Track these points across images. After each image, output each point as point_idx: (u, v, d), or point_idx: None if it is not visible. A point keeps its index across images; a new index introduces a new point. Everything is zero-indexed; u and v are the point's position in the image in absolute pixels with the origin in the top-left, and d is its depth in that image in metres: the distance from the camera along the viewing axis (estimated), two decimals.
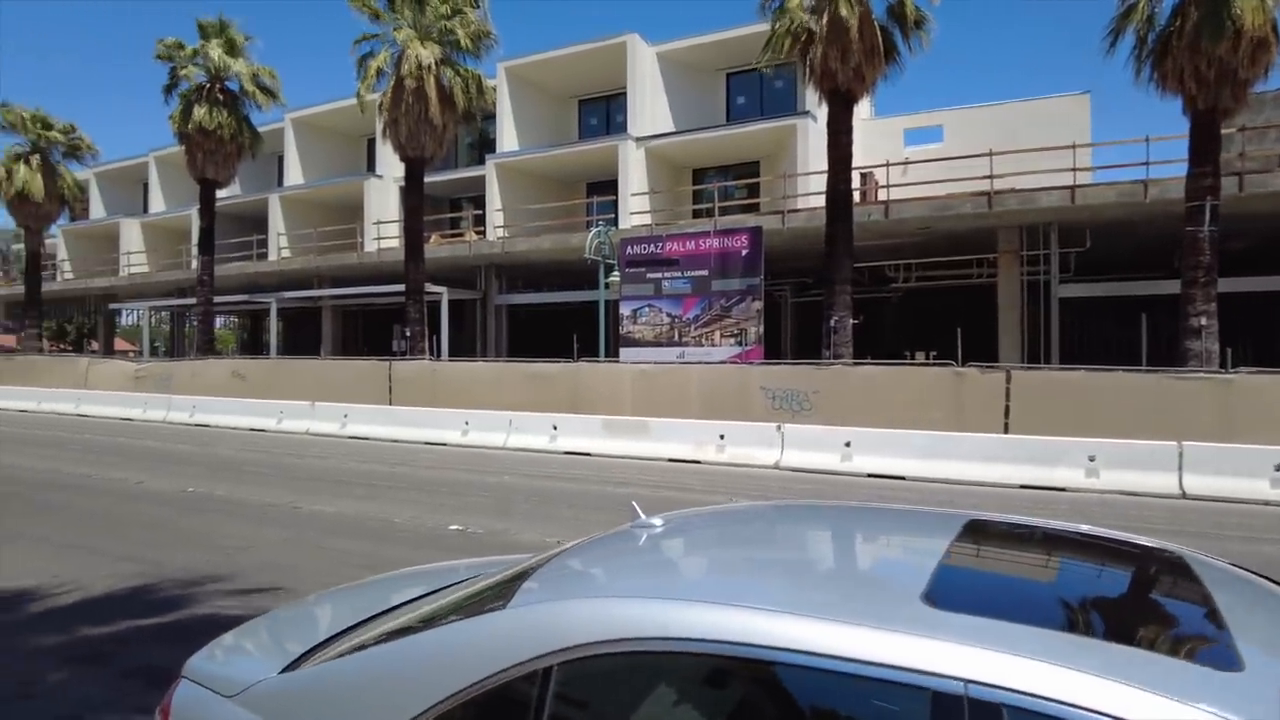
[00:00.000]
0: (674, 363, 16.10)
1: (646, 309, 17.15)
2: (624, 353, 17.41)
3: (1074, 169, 17.34)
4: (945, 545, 1.80)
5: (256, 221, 31.91)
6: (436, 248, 24.82)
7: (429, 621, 1.85)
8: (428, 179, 22.57)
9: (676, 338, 16.85)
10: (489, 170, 25.75)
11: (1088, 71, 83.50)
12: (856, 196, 18.61)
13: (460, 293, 25.15)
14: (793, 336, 24.68)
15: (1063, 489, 10.74)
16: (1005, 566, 1.90)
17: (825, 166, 16.11)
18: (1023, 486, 10.91)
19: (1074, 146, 17.01)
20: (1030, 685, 1.19)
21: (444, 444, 15.20)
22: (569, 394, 15.96)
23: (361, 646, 1.86)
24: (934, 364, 13.61)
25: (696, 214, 23.91)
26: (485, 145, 28.12)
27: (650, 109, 24.64)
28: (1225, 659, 1.28)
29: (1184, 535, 8.21)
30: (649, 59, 24.78)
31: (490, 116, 25.92)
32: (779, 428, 12.83)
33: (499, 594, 1.80)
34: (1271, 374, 11.66)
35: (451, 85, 20.33)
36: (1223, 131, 14.10)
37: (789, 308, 24.76)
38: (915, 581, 1.52)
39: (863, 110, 24.84)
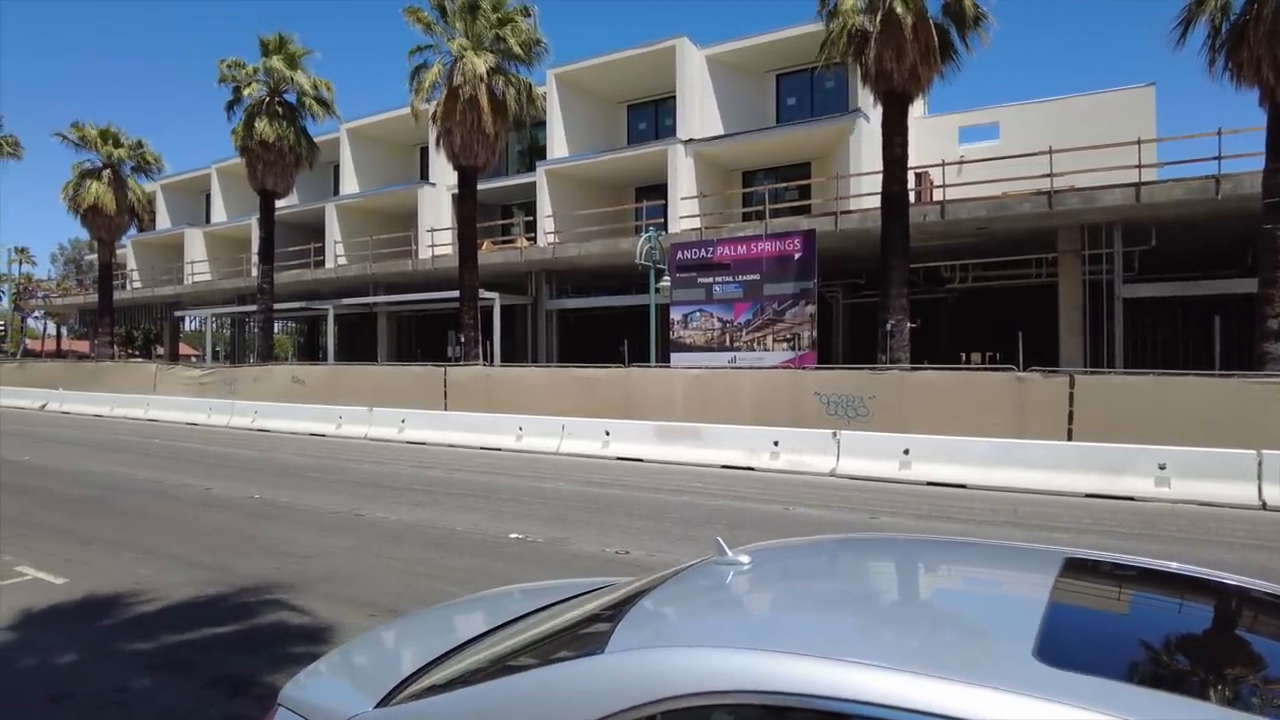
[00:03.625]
0: (725, 368, 16.03)
1: (697, 313, 17.10)
2: (674, 358, 17.40)
3: (1139, 165, 16.78)
4: (1048, 588, 1.74)
5: (314, 230, 32.73)
6: (489, 254, 25.14)
7: (523, 659, 1.87)
8: (480, 186, 22.87)
9: (728, 342, 16.77)
10: (539, 177, 25.98)
11: (1151, 65, 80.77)
12: (911, 197, 18.31)
13: (512, 298, 25.43)
14: (845, 339, 24.37)
15: (1131, 498, 10.39)
16: (1102, 611, 1.84)
17: (879, 167, 15.89)
18: (1088, 495, 10.59)
19: (1139, 142, 16.47)
20: None
21: (499, 449, 15.37)
22: (621, 399, 16.01)
23: (456, 683, 1.88)
24: (994, 369, 13.31)
25: (746, 217, 23.79)
26: (536, 152, 28.40)
27: (699, 112, 24.59)
28: None
29: (1265, 549, 7.89)
30: (698, 62, 24.74)
31: (540, 123, 26.16)
32: (835, 434, 12.67)
33: (594, 634, 1.80)
34: None
35: (504, 94, 20.59)
36: None
37: (841, 310, 24.46)
38: (1026, 633, 1.48)
39: (916, 108, 24.41)
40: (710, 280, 17.04)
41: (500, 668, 1.86)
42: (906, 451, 12.00)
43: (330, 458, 14.65)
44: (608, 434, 14.51)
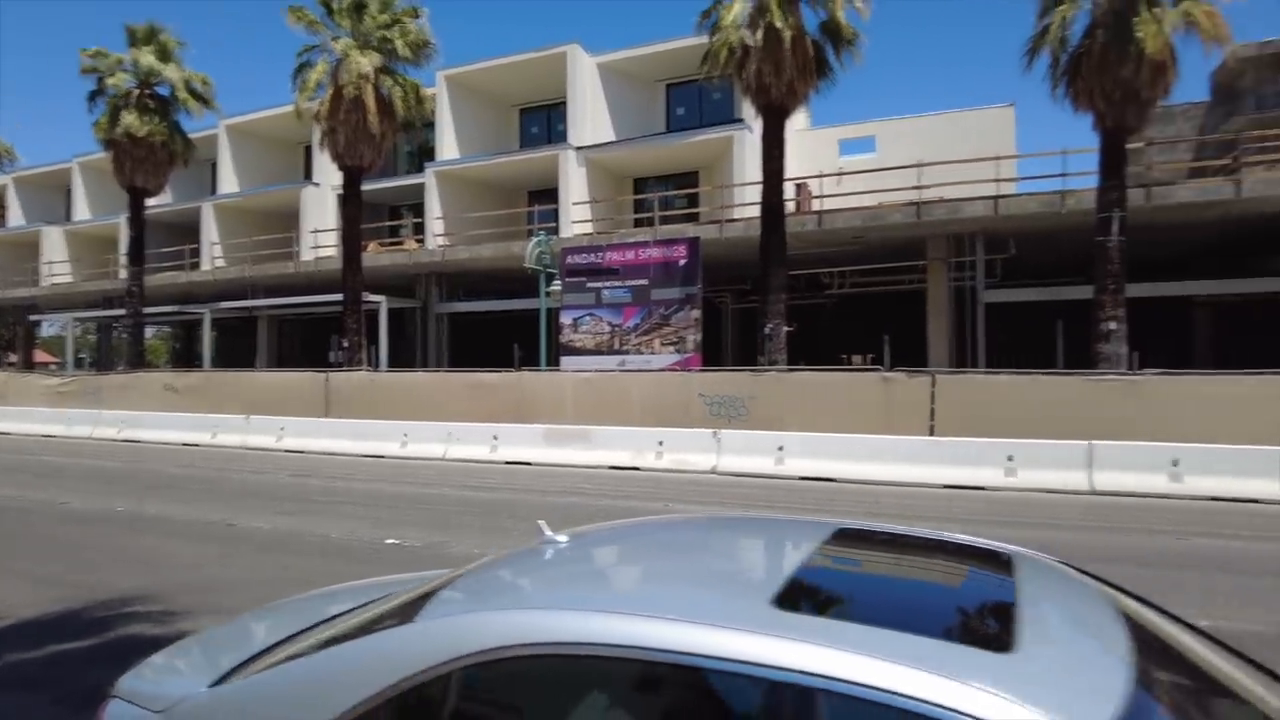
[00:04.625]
0: (615, 371, 16.32)
1: (587, 318, 17.33)
2: (565, 361, 17.57)
3: (997, 180, 18.11)
4: (809, 552, 2.05)
5: (189, 230, 31.13)
6: (376, 256, 24.62)
7: (346, 636, 2.03)
8: (367, 187, 22.40)
9: (617, 346, 17.07)
10: (428, 178, 25.64)
11: (1016, 86, 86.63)
12: (791, 207, 19.13)
13: (400, 301, 24.98)
14: (734, 343, 25.14)
15: (982, 488, 11.27)
16: (850, 570, 2.16)
17: (760, 178, 16.53)
18: (946, 486, 11.41)
19: (998, 158, 17.77)
20: (837, 671, 1.43)
21: (383, 456, 15.13)
22: (511, 403, 16.05)
23: (283, 660, 2.02)
24: (863, 369, 14.12)
25: (638, 223, 24.21)
26: (426, 153, 27.97)
27: (591, 118, 24.85)
28: (1002, 643, 1.55)
29: (1089, 530, 8.75)
30: (590, 69, 25.01)
31: (430, 125, 25.81)
32: (715, 434, 13.15)
33: (409, 609, 1.98)
34: (1173, 375, 12.42)
35: (390, 94, 20.26)
36: (1134, 145, 14.95)
37: (730, 314, 25.22)
38: (770, 585, 1.76)
39: (799, 121, 25.49)
40: (600, 285, 17.30)
41: (325, 643, 2.02)
42: (781, 448, 12.58)
43: (204, 468, 14.07)
44: (496, 439, 14.54)
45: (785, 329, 15.65)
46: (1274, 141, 21.47)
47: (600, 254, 17.50)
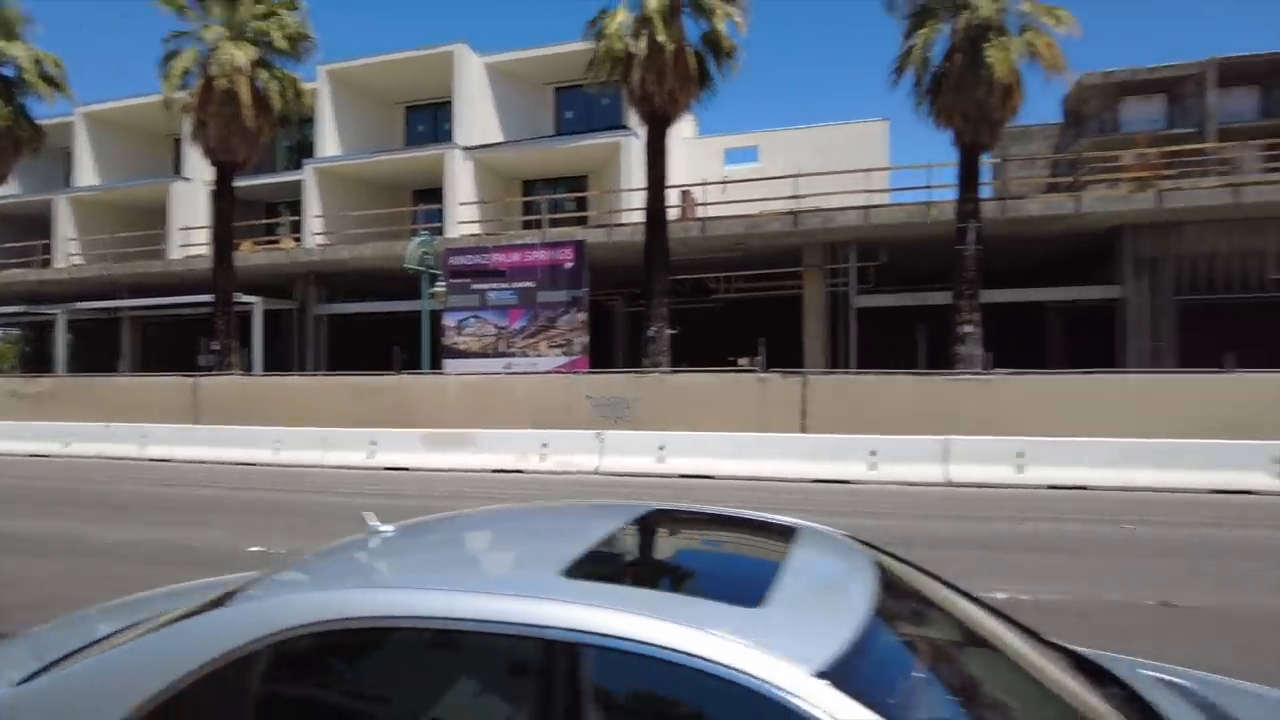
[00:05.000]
0: (500, 374, 16.26)
1: (472, 320, 17.19)
2: (449, 364, 17.36)
3: (869, 191, 19.10)
4: (612, 530, 2.23)
5: (39, 224, 28.92)
6: (250, 255, 23.59)
7: (161, 625, 2.05)
8: (242, 183, 21.48)
9: (503, 348, 17.01)
10: (308, 175, 24.80)
11: (891, 101, 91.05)
12: (676, 213, 19.58)
13: (277, 302, 24.02)
14: (625, 345, 25.43)
15: (848, 481, 11.89)
16: (646, 543, 2.35)
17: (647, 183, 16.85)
18: (815, 481, 11.97)
19: (869, 170, 18.72)
20: (600, 627, 1.60)
21: (254, 464, 14.54)
22: (392, 408, 15.73)
23: (96, 653, 2.02)
24: (740, 370, 14.61)
25: (527, 225, 24.16)
26: (305, 150, 27.01)
27: (479, 119, 24.64)
28: (754, 600, 1.75)
29: (941, 518, 9.40)
30: (478, 69, 24.80)
31: (310, 120, 24.96)
32: (599, 434, 13.33)
33: (223, 598, 2.03)
34: (1019, 374, 13.47)
35: (267, 88, 19.46)
36: (996, 160, 16.11)
37: (621, 317, 25.51)
38: (564, 559, 1.92)
39: (686, 129, 26.10)
40: (485, 286, 17.20)
41: (142, 634, 2.03)
42: (663, 447, 12.89)
43: (55, 480, 13.15)
44: (374, 444, 14.22)
45: (669, 332, 16.01)
46: (1111, 162, 23.57)
47: (485, 255, 17.40)
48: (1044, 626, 5.45)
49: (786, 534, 2.34)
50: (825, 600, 1.86)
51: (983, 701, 1.97)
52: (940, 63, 15.14)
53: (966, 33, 14.41)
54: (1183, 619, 5.57)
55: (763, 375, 14.31)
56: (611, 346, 24.86)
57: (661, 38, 15.50)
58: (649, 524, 2.39)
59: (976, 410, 12.97)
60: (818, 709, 1.47)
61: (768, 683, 1.50)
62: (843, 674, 1.53)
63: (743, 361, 27.61)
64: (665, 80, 15.63)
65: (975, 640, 2.29)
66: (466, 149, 23.76)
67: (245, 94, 18.53)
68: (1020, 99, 14.65)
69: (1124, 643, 5.02)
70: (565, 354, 16.64)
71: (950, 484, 11.61)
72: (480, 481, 12.53)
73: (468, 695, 1.83)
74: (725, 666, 1.53)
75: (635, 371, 15.55)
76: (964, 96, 14.43)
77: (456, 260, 17.62)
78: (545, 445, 13.50)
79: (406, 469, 13.65)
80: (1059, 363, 22.11)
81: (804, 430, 13.71)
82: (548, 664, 1.62)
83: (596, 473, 12.94)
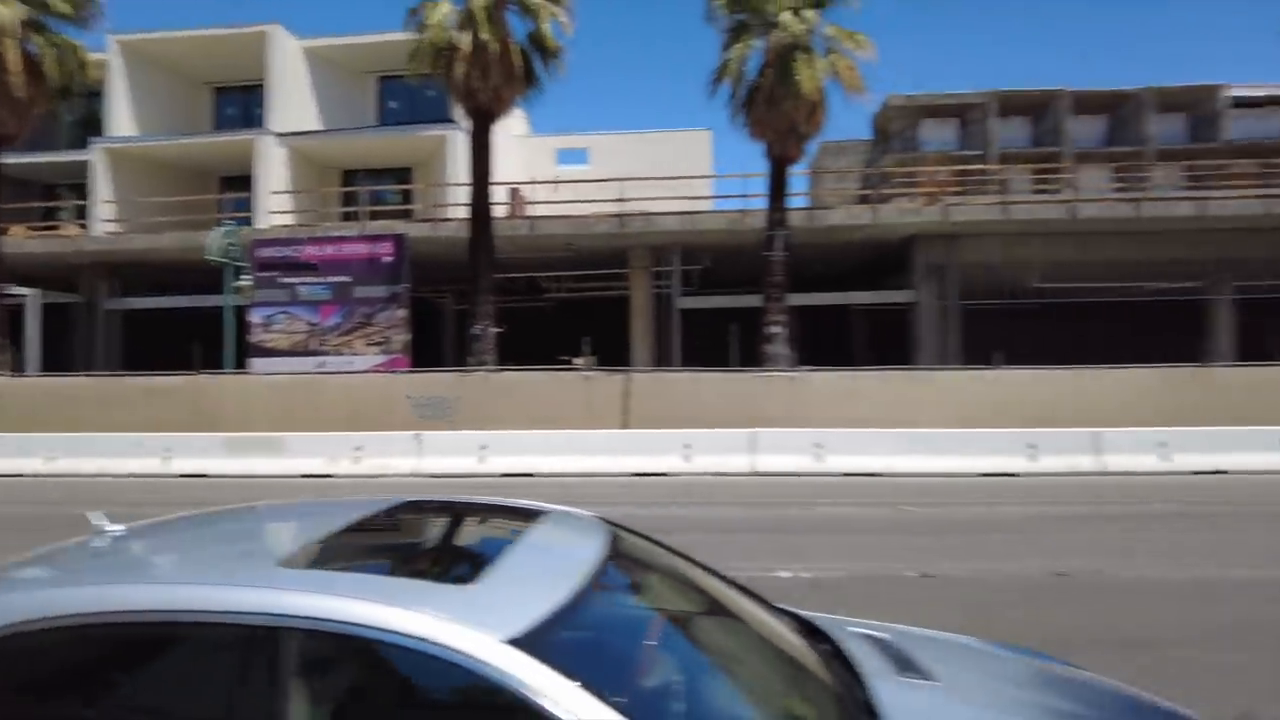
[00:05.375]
0: (313, 373, 15.47)
1: (281, 316, 16.24)
2: (256, 363, 16.31)
3: (690, 197, 19.82)
4: (351, 521, 2.24)
5: None
6: (23, 242, 21.01)
7: None
8: (15, 160, 19.16)
9: (316, 346, 16.19)
10: (96, 155, 22.48)
11: (718, 110, 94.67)
12: (504, 210, 19.44)
13: (59, 296, 21.57)
14: (454, 344, 24.91)
15: (665, 474, 12.32)
16: (382, 532, 2.39)
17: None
18: (635, 475, 12.30)
19: (691, 177, 19.43)
20: (308, 610, 1.65)
21: (20, 475, 13.01)
22: (192, 411, 14.58)
23: None
24: (565, 369, 14.76)
25: (347, 218, 23.10)
26: (95, 127, 24.41)
27: (295, 104, 23.31)
28: (469, 578, 1.84)
29: (744, 505, 9.94)
30: (294, 52, 23.44)
31: (99, 94, 22.62)
32: (417, 436, 13.01)
33: None
34: (820, 371, 14.51)
35: (41, 53, 17.45)
36: (813, 172, 17.16)
37: (451, 316, 24.96)
38: (288, 552, 1.92)
39: (519, 126, 25.97)
40: (296, 281, 16.30)
41: None
42: (484, 447, 12.78)
43: None
44: (169, 450, 13.12)
45: (494, 330, 15.87)
46: (911, 178, 25.82)
47: (297, 248, 16.50)
48: (818, 600, 5.91)
49: (528, 517, 2.43)
50: (538, 576, 1.96)
51: (695, 661, 2.15)
52: (754, 77, 15.96)
53: (778, 51, 15.29)
54: (937, 587, 6.23)
55: (587, 374, 14.53)
56: (440, 345, 24.29)
57: (485, 34, 15.34)
58: (393, 515, 2.42)
59: (783, 405, 13.84)
60: (505, 673, 1.57)
61: (458, 651, 1.59)
62: (536, 641, 1.64)
63: (578, 361, 27.95)
64: (490, 76, 15.48)
65: (706, 609, 2.49)
66: (280, 135, 22.40)
67: (14, 59, 16.54)
68: (824, 116, 15.72)
69: (885, 610, 5.56)
70: (384, 352, 16.09)
71: (757, 473, 12.30)
72: (287, 488, 11.88)
73: (177, 684, 1.82)
74: (420, 639, 1.60)
75: (459, 371, 15.31)
76: (775, 111, 15.31)
77: (265, 252, 16.58)
78: (359, 448, 13.00)
79: (206, 476, 12.70)
80: (864, 361, 23.93)
81: (626, 426, 14.05)
82: (256, 648, 1.64)
83: (414, 475, 12.62)
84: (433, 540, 2.43)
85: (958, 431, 12.67)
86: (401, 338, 16.23)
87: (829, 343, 27.95)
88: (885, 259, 22.31)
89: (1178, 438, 12.49)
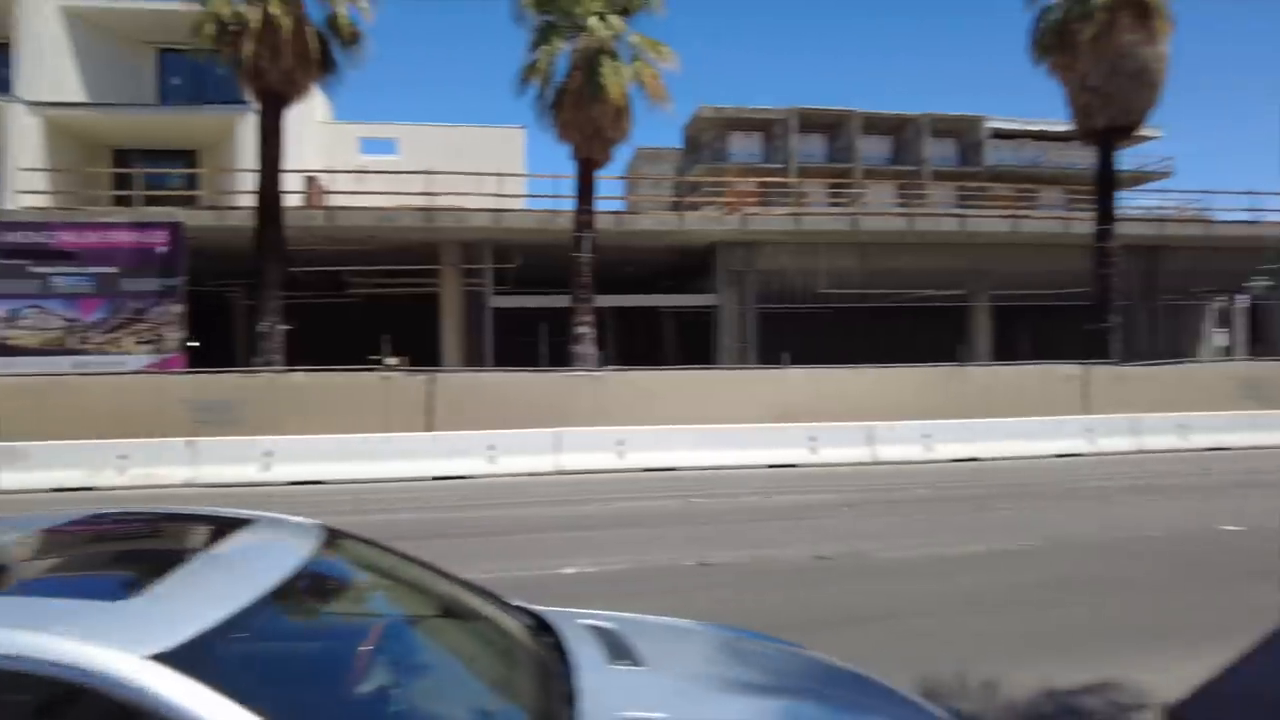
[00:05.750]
0: (69, 374, 13.77)
1: (29, 310, 14.32)
2: None
3: (502, 194, 19.60)
4: (17, 537, 2.02)
5: None
6: None
7: None
8: None
9: (74, 345, 14.43)
10: None
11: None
12: (299, 200, 18.31)
13: None
14: (244, 342, 23.10)
15: (468, 477, 12.10)
16: (58, 549, 2.19)
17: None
18: (437, 479, 11.99)
19: (500, 174, 19.21)
20: None
21: None
22: None
23: None
24: (363, 369, 14.13)
25: (120, 202, 20.81)
26: None
27: (52, 71, 20.69)
28: (125, 593, 1.71)
29: (546, 504, 9.97)
30: (51, 11, 20.81)
31: None
32: (191, 443, 11.95)
33: None
34: (626, 370, 14.86)
35: None
36: (630, 177, 17.43)
37: (242, 312, 23.12)
38: None
39: (320, 112, 24.58)
40: (49, 270, 14.45)
41: None
42: (269, 454, 11.96)
43: None
44: None
45: (282, 327, 14.89)
46: (721, 187, 27.03)
47: (50, 233, 14.63)
48: (602, 592, 6.04)
49: (229, 527, 2.30)
50: (210, 588, 1.86)
51: (395, 665, 2.12)
52: (562, 79, 16.03)
53: (585, 54, 15.46)
54: (713, 574, 6.56)
55: (386, 374, 13.98)
56: (231, 344, 22.48)
57: (276, 10, 14.36)
58: (75, 529, 2.21)
59: (589, 404, 14.01)
60: (147, 692, 1.47)
61: (92, 672, 1.47)
62: (190, 656, 1.55)
63: (390, 361, 26.83)
64: (281, 58, 14.50)
65: (423, 612, 2.47)
66: (33, 104, 19.81)
67: None
68: (631, 122, 16.07)
69: (657, 599, 5.78)
70: (156, 351, 14.63)
71: (562, 472, 12.39)
72: (33, 504, 10.51)
73: None
74: (50, 662, 1.47)
75: (243, 371, 14.23)
76: (582, 114, 15.47)
77: (9, 237, 14.56)
78: (125, 457, 11.75)
79: None
80: (675, 361, 24.80)
81: (430, 429, 13.65)
82: None
83: (189, 485, 11.59)
84: (108, 555, 2.24)
85: (748, 427, 13.40)
86: (176, 335, 14.83)
87: (644, 343, 28.75)
88: (693, 264, 23.23)
89: (938, 430, 13.94)
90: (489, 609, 2.60)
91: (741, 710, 2.14)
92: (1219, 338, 28.66)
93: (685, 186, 34.65)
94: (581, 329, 15.75)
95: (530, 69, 16.16)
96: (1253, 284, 20.97)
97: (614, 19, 15.36)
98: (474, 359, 20.19)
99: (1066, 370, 16.28)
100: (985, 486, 11.09)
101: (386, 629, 2.26)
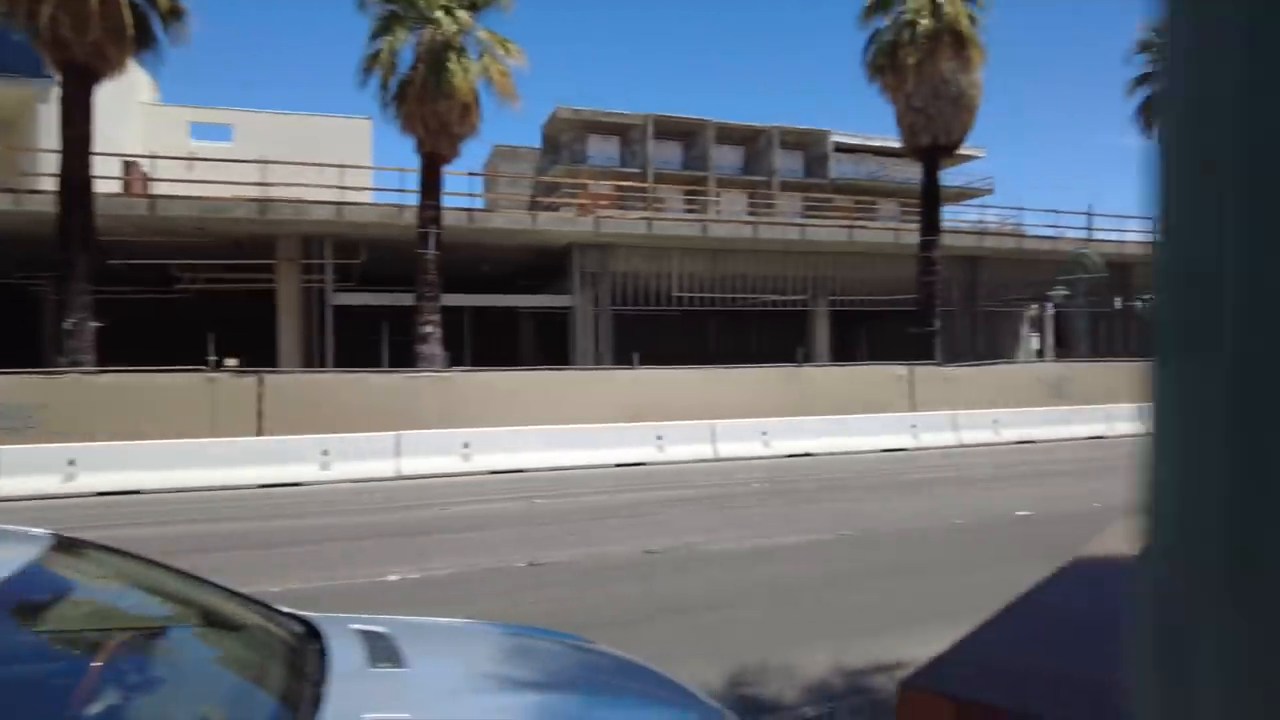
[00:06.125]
0: None
1: None
2: None
3: (346, 186, 18.79)
4: None
5: None
6: None
7: None
8: None
9: None
10: None
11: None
12: (116, 186, 16.84)
13: None
14: (55, 340, 20.96)
15: (301, 484, 11.52)
16: None
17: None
18: (265, 486, 11.34)
19: (341, 166, 18.39)
20: None
21: None
22: None
23: None
24: (183, 370, 13.14)
25: None
26: None
27: None
28: None
29: (380, 511, 9.63)
30: None
31: None
32: None
33: None
34: (473, 371, 14.60)
35: None
36: (474, 174, 17.05)
37: (54, 307, 20.94)
38: None
39: (145, 92, 22.72)
40: None
41: None
42: (73, 462, 10.93)
43: None
44: None
45: (93, 324, 13.62)
46: (580, 188, 27.09)
47: None
48: (424, 598, 5.89)
49: None
50: None
51: (127, 680, 1.98)
52: (407, 71, 15.57)
53: (431, 47, 15.08)
54: (543, 574, 6.55)
55: (212, 375, 13.08)
56: (39, 342, 20.36)
57: None
58: None
59: (436, 406, 13.67)
60: None
61: None
62: None
63: (231, 361, 25.15)
64: (89, 29, 13.24)
65: (163, 625, 2.32)
66: None
67: None
68: (479, 118, 15.82)
69: (489, 601, 5.71)
70: None
71: (403, 477, 12.01)
72: None
73: None
74: None
75: (45, 372, 12.91)
76: (427, 108, 15.08)
77: None
78: None
79: None
80: (533, 361, 24.63)
81: (261, 433, 12.89)
82: None
83: None
84: None
85: (597, 427, 13.51)
86: None
87: (507, 344, 28.39)
88: (551, 265, 23.17)
89: (775, 427, 14.58)
90: (251, 617, 2.49)
91: (495, 707, 2.14)
92: (1035, 341, 31.62)
93: (543, 186, 34.53)
94: (427, 328, 15.34)
95: (372, 59, 15.60)
96: (1054, 293, 23.23)
97: (462, 14, 15.10)
98: (315, 359, 19.24)
99: (895, 371, 17.45)
100: (815, 480, 11.69)
101: (122, 644, 2.11)
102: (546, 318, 25.46)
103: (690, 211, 30.36)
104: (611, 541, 7.70)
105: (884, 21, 18.59)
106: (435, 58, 14.92)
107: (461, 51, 15.19)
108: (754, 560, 6.97)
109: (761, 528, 8.32)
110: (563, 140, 37.11)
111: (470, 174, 19.05)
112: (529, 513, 9.40)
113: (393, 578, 6.44)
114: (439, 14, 14.90)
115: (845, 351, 29.25)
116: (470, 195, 19.23)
